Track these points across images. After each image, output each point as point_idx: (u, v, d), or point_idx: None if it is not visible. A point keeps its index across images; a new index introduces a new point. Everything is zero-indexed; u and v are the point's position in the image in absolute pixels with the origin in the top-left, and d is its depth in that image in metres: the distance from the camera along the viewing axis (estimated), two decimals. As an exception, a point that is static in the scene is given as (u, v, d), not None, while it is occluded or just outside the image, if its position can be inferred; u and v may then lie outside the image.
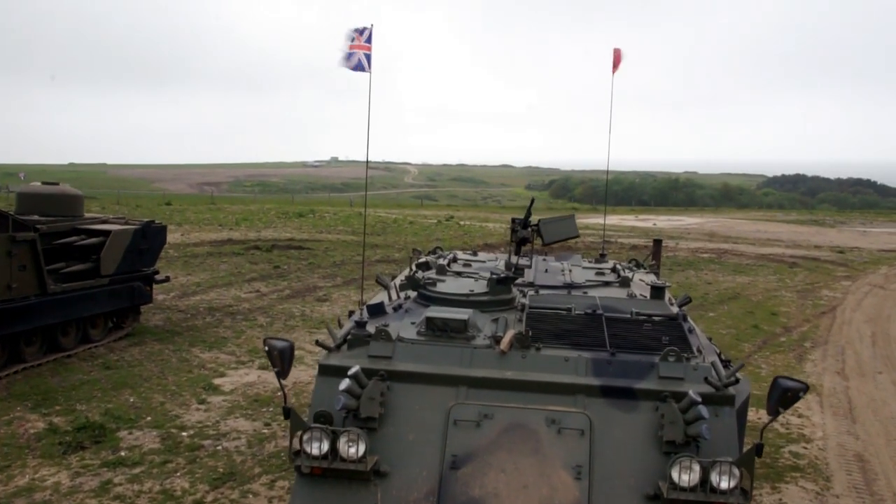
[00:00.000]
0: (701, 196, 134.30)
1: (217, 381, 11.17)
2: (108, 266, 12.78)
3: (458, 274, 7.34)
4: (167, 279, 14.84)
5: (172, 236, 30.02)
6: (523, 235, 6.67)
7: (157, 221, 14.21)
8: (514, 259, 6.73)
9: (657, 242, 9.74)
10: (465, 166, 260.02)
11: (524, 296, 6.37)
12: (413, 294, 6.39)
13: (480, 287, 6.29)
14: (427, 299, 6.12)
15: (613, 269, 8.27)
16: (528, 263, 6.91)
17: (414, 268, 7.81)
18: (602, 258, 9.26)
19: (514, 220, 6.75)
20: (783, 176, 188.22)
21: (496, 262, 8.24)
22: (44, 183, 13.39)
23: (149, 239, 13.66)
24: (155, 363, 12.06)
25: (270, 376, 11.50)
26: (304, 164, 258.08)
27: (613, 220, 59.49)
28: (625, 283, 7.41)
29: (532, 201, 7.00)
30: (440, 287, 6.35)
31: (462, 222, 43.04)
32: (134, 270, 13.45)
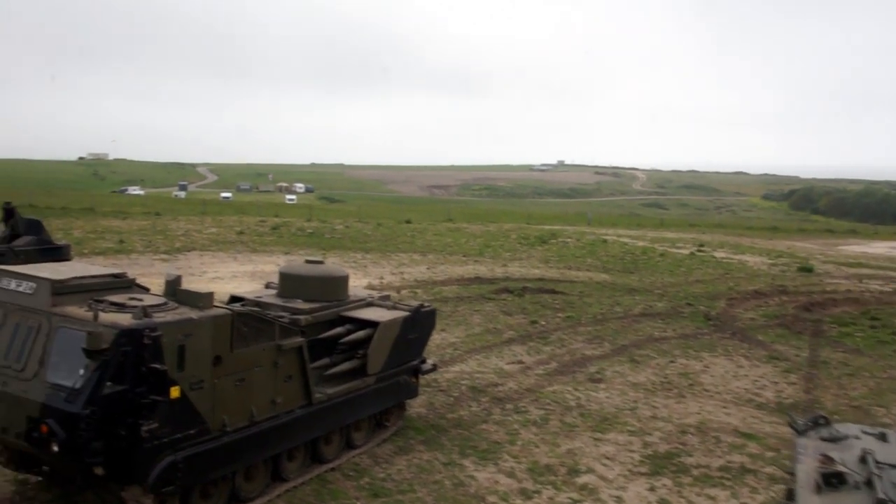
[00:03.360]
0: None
1: (505, 535, 9.17)
2: (375, 364, 11.19)
3: None
4: (434, 368, 13.10)
5: (418, 269, 29.05)
6: None
7: (426, 305, 12.47)
8: None
9: None
10: (697, 172, 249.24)
11: None
12: None
13: None
14: None
15: None
16: None
17: (820, 481, 5.54)
18: None
19: None
20: None
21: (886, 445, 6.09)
22: (307, 261, 12.05)
23: (417, 327, 11.98)
24: (427, 488, 10.27)
25: (568, 529, 9.38)
26: (530, 168, 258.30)
27: (881, 248, 52.97)
28: None
29: None
30: None
31: (716, 254, 39.31)
32: (401, 363, 11.82)
